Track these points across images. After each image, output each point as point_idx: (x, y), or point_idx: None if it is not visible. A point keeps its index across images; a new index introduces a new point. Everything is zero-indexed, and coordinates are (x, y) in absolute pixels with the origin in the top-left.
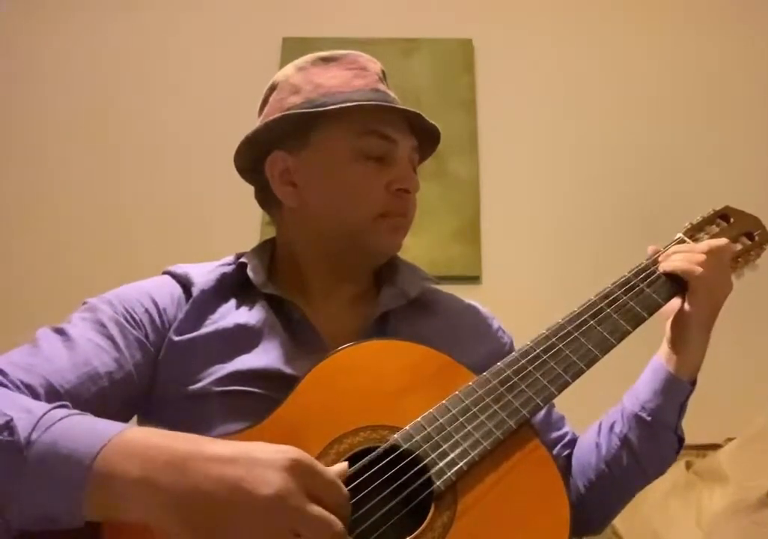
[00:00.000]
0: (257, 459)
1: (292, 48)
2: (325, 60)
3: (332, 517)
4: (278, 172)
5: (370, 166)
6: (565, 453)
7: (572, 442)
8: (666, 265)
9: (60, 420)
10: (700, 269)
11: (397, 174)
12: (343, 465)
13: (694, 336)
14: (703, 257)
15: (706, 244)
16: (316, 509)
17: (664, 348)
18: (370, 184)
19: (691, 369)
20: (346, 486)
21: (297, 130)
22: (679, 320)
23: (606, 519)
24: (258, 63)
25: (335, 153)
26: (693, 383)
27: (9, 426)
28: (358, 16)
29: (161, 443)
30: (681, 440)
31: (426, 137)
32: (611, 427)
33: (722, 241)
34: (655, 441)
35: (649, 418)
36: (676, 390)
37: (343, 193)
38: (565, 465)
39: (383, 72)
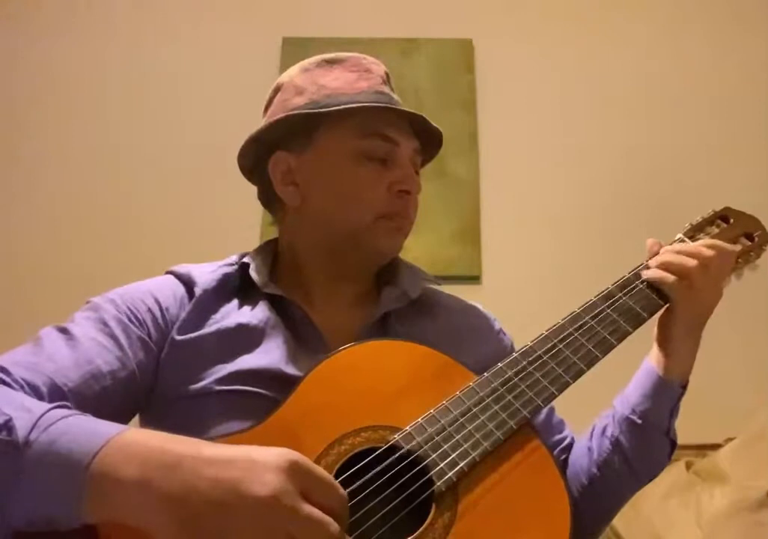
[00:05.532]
0: (254, 461)
1: (292, 48)
2: (330, 62)
3: (327, 518)
4: (281, 172)
5: (371, 167)
6: (564, 456)
7: (572, 446)
8: (644, 273)
9: (59, 420)
10: (672, 278)
11: (398, 175)
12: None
13: (681, 340)
14: (692, 263)
15: (697, 248)
16: (312, 510)
17: (654, 350)
18: (372, 185)
19: (681, 373)
20: (347, 486)
21: (300, 130)
22: (665, 324)
23: (599, 525)
24: (258, 63)
25: (338, 154)
26: (684, 386)
27: (8, 426)
28: (358, 16)
29: (160, 445)
30: (673, 444)
31: (429, 140)
32: (603, 431)
33: (715, 249)
34: (646, 444)
35: (640, 421)
36: (665, 394)
37: (345, 194)
38: (563, 469)
39: (387, 74)
